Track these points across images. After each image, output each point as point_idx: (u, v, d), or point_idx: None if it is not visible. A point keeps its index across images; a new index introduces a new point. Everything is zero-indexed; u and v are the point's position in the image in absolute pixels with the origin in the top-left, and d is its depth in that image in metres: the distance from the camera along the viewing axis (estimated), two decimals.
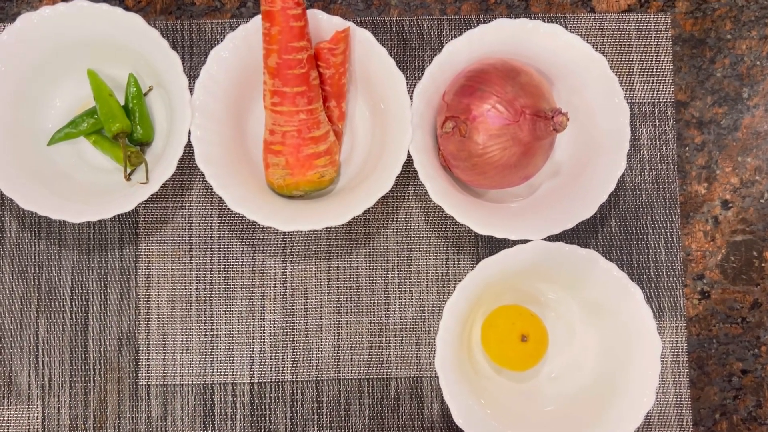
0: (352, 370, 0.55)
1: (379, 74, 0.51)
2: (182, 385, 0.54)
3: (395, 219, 0.56)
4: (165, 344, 0.55)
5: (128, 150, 0.53)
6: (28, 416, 0.54)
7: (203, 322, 0.55)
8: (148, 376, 0.55)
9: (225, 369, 0.55)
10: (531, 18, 0.53)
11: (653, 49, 0.57)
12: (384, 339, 0.55)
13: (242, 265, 0.55)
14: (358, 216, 0.55)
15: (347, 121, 0.55)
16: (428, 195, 0.55)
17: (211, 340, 0.55)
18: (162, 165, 0.51)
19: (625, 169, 0.56)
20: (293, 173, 0.51)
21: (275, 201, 0.52)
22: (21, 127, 0.53)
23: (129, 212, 0.55)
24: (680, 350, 0.55)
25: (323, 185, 0.52)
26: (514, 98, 0.47)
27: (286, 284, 0.55)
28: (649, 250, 0.56)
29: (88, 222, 0.55)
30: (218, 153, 0.50)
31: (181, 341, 0.55)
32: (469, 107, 0.48)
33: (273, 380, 0.55)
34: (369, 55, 0.51)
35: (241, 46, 0.51)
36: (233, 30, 0.52)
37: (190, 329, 0.55)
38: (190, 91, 0.51)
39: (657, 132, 0.56)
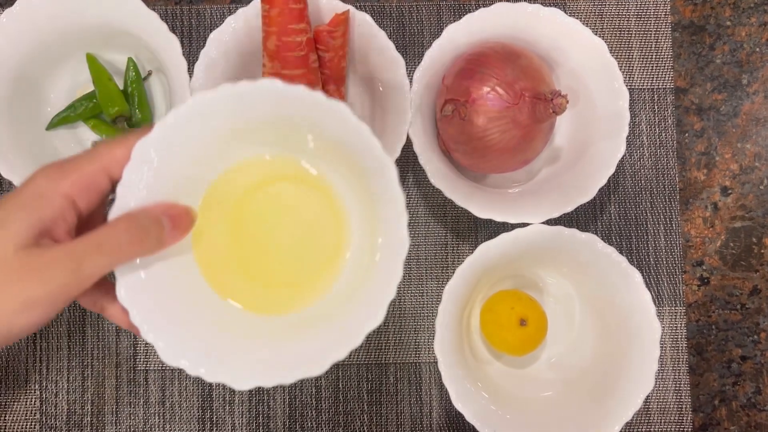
0: (350, 355, 0.54)
1: (379, 57, 0.51)
2: (180, 370, 0.54)
3: None
4: None
5: None
6: (26, 402, 0.54)
7: None
8: (146, 362, 0.54)
9: None
10: (530, 2, 0.52)
11: (652, 35, 0.57)
12: (383, 324, 0.55)
13: None
14: None
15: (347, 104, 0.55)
16: (427, 180, 0.55)
17: None
18: None
19: (625, 155, 0.56)
20: None
21: None
22: (20, 112, 0.53)
23: None
24: (679, 336, 0.55)
25: None
26: (513, 81, 0.47)
27: None
28: (648, 236, 0.56)
29: None
30: None
31: None
32: (469, 90, 0.48)
33: None
34: (368, 38, 0.51)
35: (240, 30, 0.51)
36: (232, 14, 0.52)
37: None
38: (189, 75, 0.51)
39: (656, 118, 0.56)
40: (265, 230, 0.40)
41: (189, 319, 0.37)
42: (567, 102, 0.46)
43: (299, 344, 0.38)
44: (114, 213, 0.35)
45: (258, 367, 0.36)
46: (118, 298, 0.35)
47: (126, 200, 0.35)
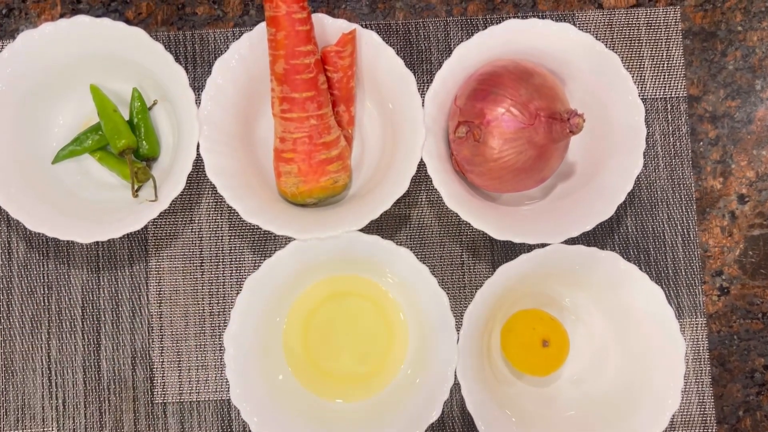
0: None
1: (388, 75, 0.50)
2: (198, 402, 0.54)
3: (408, 226, 0.55)
4: (179, 361, 0.54)
5: (135, 166, 0.52)
6: None
7: (217, 337, 0.54)
8: (164, 394, 0.54)
9: None
10: (539, 16, 0.52)
11: (663, 43, 0.56)
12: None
13: None
14: (371, 224, 0.54)
15: (356, 126, 0.54)
16: (441, 200, 0.54)
17: None
18: (171, 181, 0.50)
19: None
20: (306, 180, 0.50)
21: (289, 210, 0.51)
22: (25, 146, 0.52)
23: (138, 229, 0.54)
24: (701, 348, 0.54)
25: (337, 191, 0.51)
26: (528, 101, 0.46)
27: None
28: (666, 247, 0.55)
29: (97, 241, 0.54)
30: (228, 164, 0.49)
31: (196, 357, 0.54)
32: (483, 111, 0.47)
33: None
34: (376, 56, 0.50)
35: (246, 56, 0.50)
36: (236, 39, 0.51)
37: (204, 345, 0.54)
38: (197, 104, 0.50)
39: (670, 128, 0.56)
40: (339, 332, 0.52)
41: (285, 414, 0.49)
42: (584, 121, 0.45)
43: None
44: (229, 334, 0.48)
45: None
46: (232, 400, 0.48)
47: (241, 326, 0.49)
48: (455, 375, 0.48)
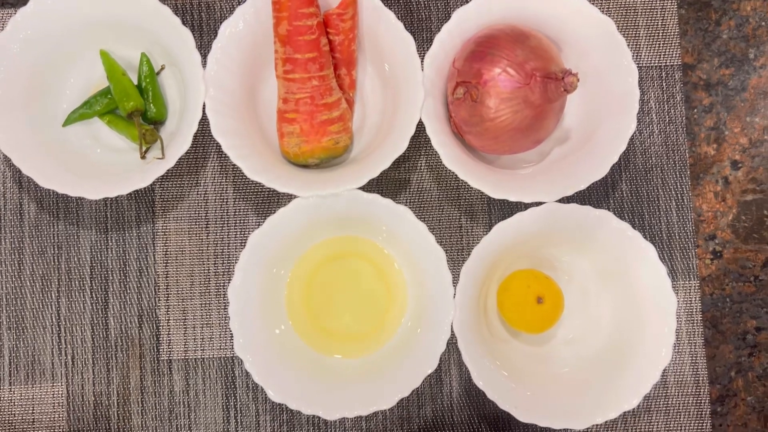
0: None
1: (388, 38, 0.52)
2: (203, 359, 0.55)
3: (408, 190, 0.56)
4: (185, 319, 0.55)
5: (143, 128, 0.54)
6: (53, 394, 0.55)
7: (222, 296, 0.56)
8: (169, 351, 0.55)
9: None
10: None
11: (659, 12, 0.57)
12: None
13: None
14: (372, 188, 0.56)
15: (357, 89, 0.55)
16: (440, 164, 0.56)
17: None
18: (177, 140, 0.51)
19: (635, 133, 0.56)
20: (308, 140, 0.51)
21: (292, 170, 0.52)
22: (36, 109, 0.53)
23: (145, 190, 0.56)
24: (694, 310, 0.56)
25: (338, 152, 0.53)
26: (524, 61, 0.48)
27: None
28: (660, 212, 0.56)
29: (106, 201, 0.56)
30: (233, 125, 0.51)
31: (201, 315, 0.55)
32: (480, 72, 0.48)
33: None
34: (377, 20, 0.52)
35: (251, 18, 0.52)
36: (242, 4, 0.52)
37: (209, 303, 0.56)
38: (203, 67, 0.51)
39: (665, 95, 0.57)
40: (340, 292, 0.54)
41: (286, 366, 0.51)
42: (578, 80, 0.46)
43: (372, 385, 0.50)
44: (233, 288, 0.50)
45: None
46: (235, 350, 0.50)
47: (244, 281, 0.50)
48: (452, 328, 0.49)
